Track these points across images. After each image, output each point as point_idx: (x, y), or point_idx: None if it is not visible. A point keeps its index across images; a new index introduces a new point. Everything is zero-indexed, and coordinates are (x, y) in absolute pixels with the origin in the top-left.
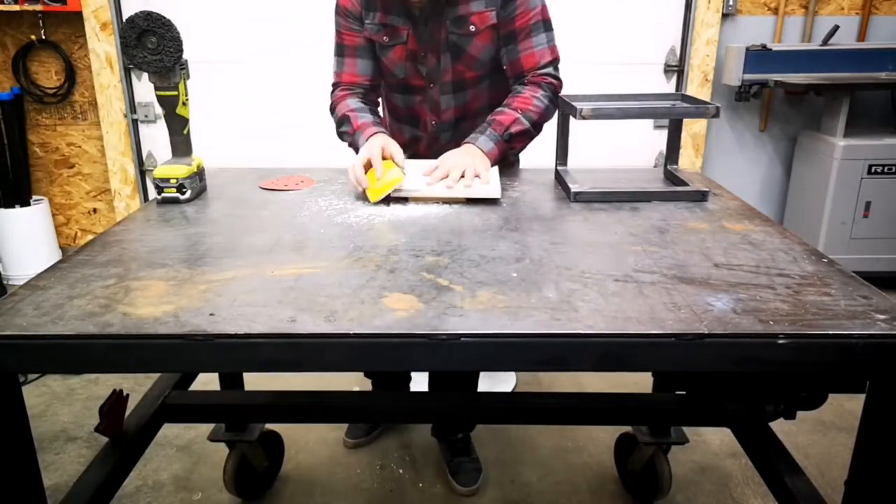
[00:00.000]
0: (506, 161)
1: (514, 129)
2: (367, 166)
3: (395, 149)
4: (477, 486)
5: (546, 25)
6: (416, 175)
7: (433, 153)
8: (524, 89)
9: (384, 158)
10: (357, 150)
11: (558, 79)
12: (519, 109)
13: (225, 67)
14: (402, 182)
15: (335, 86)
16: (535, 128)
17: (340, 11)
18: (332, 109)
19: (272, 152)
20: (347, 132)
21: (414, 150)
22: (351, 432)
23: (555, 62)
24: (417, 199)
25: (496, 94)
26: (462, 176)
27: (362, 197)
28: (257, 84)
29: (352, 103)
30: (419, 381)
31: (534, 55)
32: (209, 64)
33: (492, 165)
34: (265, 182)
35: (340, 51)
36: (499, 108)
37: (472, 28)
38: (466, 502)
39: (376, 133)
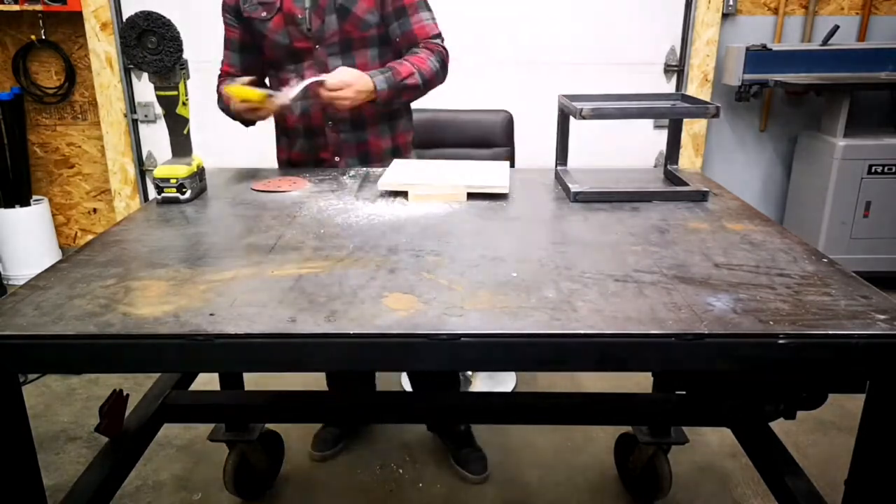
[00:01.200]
0: (387, 111)
1: (409, 81)
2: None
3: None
4: (488, 473)
5: (427, 5)
6: (419, 174)
7: (328, 118)
8: (419, 51)
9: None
10: (238, 118)
11: (447, 49)
12: (416, 65)
13: None
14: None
15: (219, 76)
16: (425, 86)
17: (223, 7)
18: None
19: (272, 152)
20: (224, 101)
21: (307, 120)
22: (318, 446)
23: (441, 35)
24: (419, 198)
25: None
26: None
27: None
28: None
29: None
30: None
31: (425, 27)
32: (210, 64)
33: (375, 104)
34: (257, 184)
35: (224, 44)
36: (397, 60)
37: None
38: (468, 501)
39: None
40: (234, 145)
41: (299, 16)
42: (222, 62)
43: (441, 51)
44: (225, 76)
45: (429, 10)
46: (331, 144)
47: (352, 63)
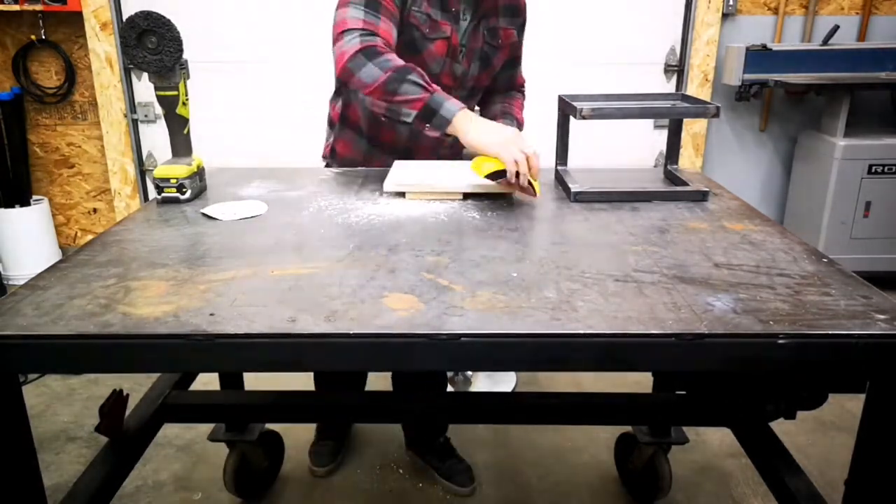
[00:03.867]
0: None
1: (522, 126)
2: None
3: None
4: (475, 484)
5: None
6: (424, 173)
7: (436, 154)
8: (519, 95)
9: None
10: (423, 111)
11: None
12: (520, 110)
13: (225, 68)
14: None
15: (369, 34)
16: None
17: None
18: (375, 52)
19: (273, 152)
20: (420, 84)
21: (414, 146)
22: (317, 461)
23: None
24: (416, 195)
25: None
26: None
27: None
28: (258, 84)
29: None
30: None
31: (521, 76)
32: (210, 64)
33: None
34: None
35: (376, 7)
36: (508, 104)
37: (499, 42)
38: (467, 502)
39: (465, 107)
40: (234, 145)
41: (461, 55)
42: (377, 25)
43: (524, 98)
44: (378, 39)
45: None
46: None
47: (470, 108)
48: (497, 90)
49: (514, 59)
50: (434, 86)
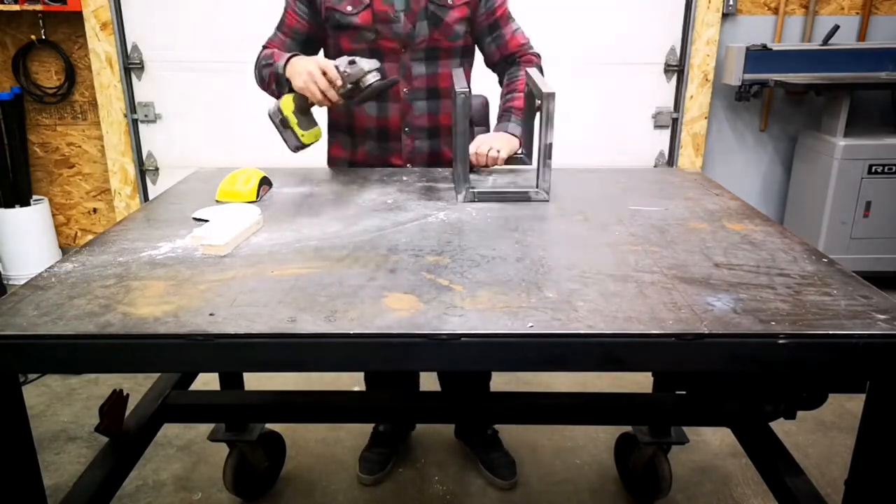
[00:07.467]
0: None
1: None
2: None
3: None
4: (516, 478)
5: (512, 16)
6: None
7: (406, 125)
8: (518, 71)
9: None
10: (275, 80)
11: (539, 55)
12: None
13: (228, 68)
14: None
15: (263, 49)
16: None
17: None
18: (258, 59)
19: (274, 152)
20: (269, 64)
21: (384, 123)
22: (365, 467)
23: (530, 42)
24: None
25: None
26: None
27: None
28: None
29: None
30: None
31: (516, 37)
32: (213, 64)
33: (519, 147)
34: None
35: (280, 25)
36: (509, 94)
37: (449, 1)
38: (469, 502)
39: (297, 54)
40: (236, 145)
41: (392, 14)
42: (271, 41)
43: (536, 60)
44: (264, 51)
45: (513, 19)
46: (405, 151)
47: (435, 71)
48: (495, 65)
49: (494, 24)
50: (278, 56)
